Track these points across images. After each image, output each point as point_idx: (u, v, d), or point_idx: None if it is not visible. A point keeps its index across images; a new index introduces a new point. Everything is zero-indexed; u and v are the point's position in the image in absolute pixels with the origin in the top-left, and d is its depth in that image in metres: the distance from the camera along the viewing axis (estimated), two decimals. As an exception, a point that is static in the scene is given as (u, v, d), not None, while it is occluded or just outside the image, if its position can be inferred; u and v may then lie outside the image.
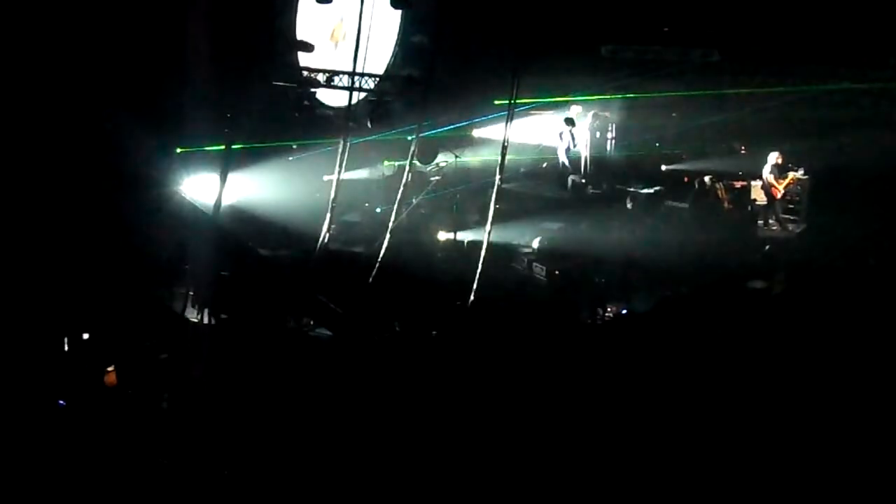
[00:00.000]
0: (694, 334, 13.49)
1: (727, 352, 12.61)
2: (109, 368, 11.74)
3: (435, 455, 9.91)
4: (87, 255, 13.20)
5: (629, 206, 19.03)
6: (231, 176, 13.14)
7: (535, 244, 17.27)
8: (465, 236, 17.55)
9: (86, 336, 12.23)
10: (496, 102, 18.71)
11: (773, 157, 19.30)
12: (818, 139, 18.95)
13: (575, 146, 20.61)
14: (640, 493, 9.48)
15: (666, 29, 20.52)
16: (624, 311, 15.30)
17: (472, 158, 19.73)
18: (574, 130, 20.72)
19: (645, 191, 19.99)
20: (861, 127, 18.69)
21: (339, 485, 9.51)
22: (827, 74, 19.25)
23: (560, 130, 20.67)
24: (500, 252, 16.23)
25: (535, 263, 16.73)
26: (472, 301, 14.04)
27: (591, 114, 21.53)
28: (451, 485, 9.50)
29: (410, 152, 16.14)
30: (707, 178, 19.57)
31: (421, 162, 17.74)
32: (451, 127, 18.90)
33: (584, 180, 20.62)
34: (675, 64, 19.75)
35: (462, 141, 19.89)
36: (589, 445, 10.24)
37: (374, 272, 14.96)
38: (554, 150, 20.84)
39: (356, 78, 17.60)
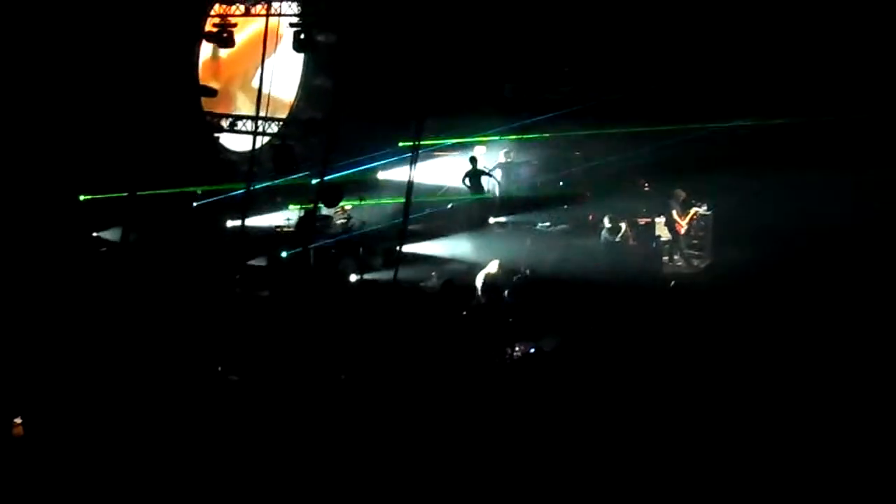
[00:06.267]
0: (600, 372, 13.62)
1: (634, 388, 12.73)
2: (17, 420, 11.39)
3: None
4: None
5: (535, 244, 19.12)
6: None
7: (440, 283, 17.21)
8: (371, 278, 17.46)
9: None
10: (400, 144, 18.71)
11: (677, 194, 19.61)
12: (721, 175, 19.19)
13: (482, 186, 20.67)
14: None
15: (567, 69, 20.76)
16: (532, 350, 15.33)
17: (377, 201, 19.66)
18: (480, 170, 20.78)
19: (552, 228, 20.15)
20: (763, 163, 18.96)
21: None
22: (728, 112, 19.51)
23: (465, 171, 20.70)
24: (406, 292, 16.23)
25: (440, 303, 16.64)
26: (381, 343, 14.00)
27: (499, 153, 21.62)
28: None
29: (315, 196, 16.05)
30: (612, 216, 19.66)
31: (326, 205, 17.58)
32: (356, 170, 18.80)
33: (491, 220, 20.67)
34: (578, 103, 19.86)
35: (367, 184, 19.81)
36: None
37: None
38: (458, 191, 20.84)
39: (259, 122, 17.49)
